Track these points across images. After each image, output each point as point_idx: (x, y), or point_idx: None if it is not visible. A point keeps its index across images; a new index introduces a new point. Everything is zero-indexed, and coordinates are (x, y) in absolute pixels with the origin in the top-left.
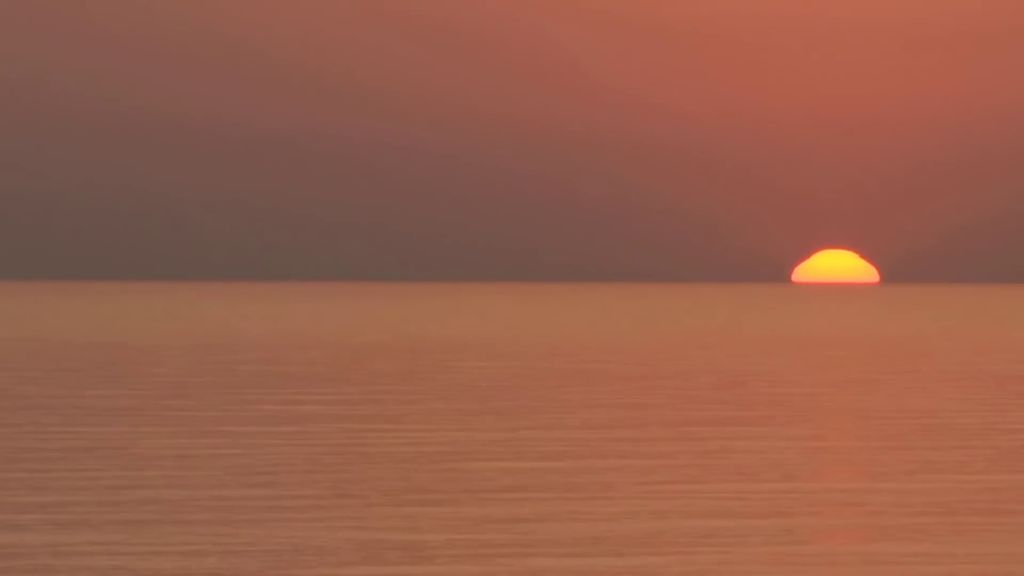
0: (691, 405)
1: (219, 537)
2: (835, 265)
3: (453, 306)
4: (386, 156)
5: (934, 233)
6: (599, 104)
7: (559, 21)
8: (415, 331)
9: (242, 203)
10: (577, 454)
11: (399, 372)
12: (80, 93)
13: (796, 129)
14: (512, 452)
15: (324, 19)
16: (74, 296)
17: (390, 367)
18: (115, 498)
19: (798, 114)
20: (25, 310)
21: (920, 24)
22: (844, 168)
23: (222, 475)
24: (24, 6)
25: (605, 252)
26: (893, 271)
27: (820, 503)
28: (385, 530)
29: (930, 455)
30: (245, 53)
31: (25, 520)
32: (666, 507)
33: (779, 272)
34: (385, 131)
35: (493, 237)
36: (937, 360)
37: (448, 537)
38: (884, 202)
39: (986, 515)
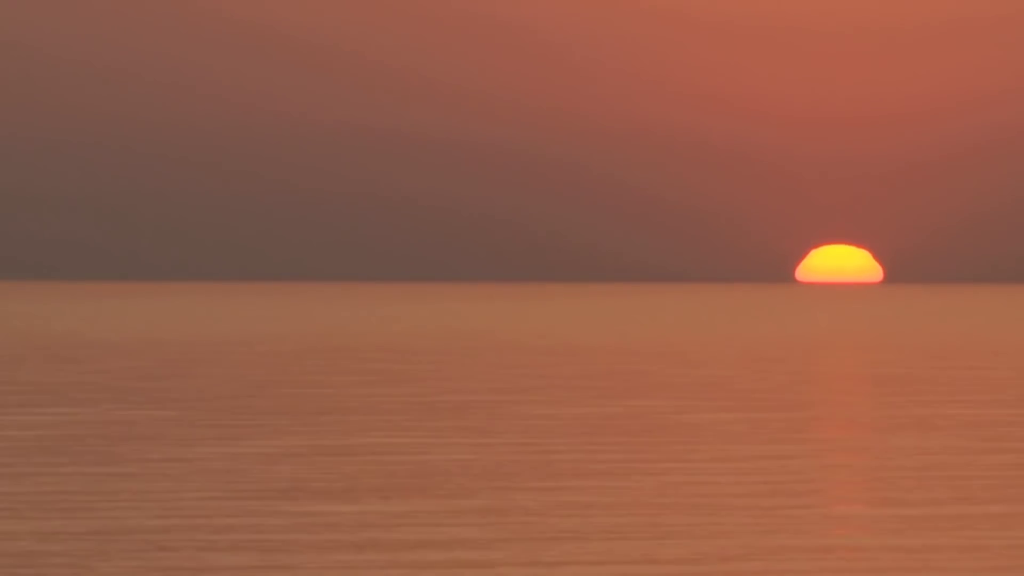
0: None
1: None
2: (838, 262)
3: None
4: (387, 150)
5: (939, 227)
6: (593, 100)
7: (558, 9)
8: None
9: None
10: None
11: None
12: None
13: (796, 122)
14: None
15: (348, 8)
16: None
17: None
18: None
19: (800, 107)
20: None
21: (925, 11)
22: (842, 161)
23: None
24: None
25: (594, 251)
26: (898, 267)
27: None
28: None
29: None
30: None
31: None
32: None
33: (778, 270)
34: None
35: (481, 238)
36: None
37: None
38: (886, 195)
39: None
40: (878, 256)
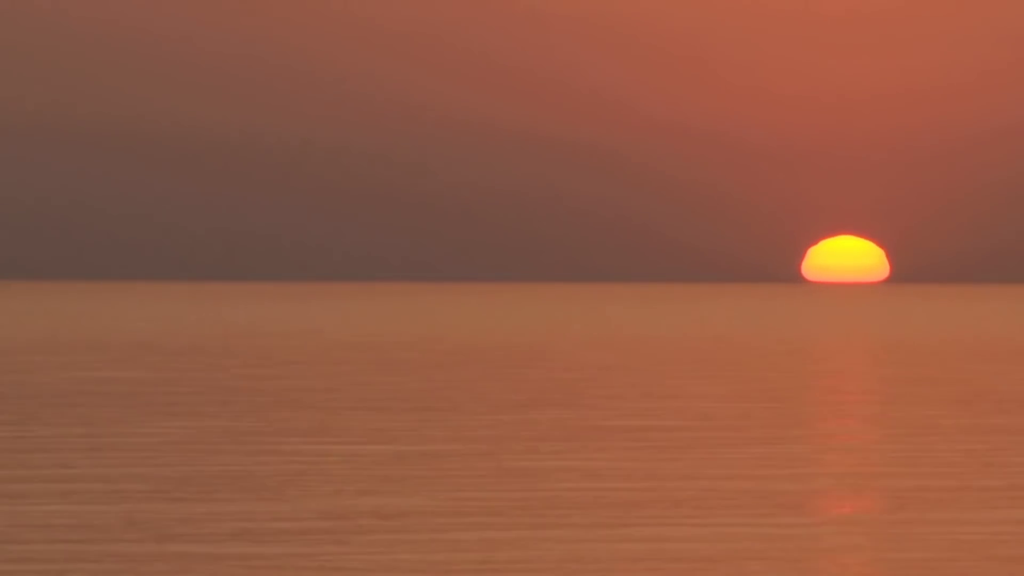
0: None
1: None
2: (846, 259)
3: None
4: (388, 162)
5: (950, 218)
6: (590, 99)
7: (555, 20)
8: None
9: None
10: None
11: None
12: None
13: (794, 105)
14: None
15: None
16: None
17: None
18: None
19: (797, 88)
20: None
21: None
22: (840, 145)
23: None
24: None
25: (589, 252)
26: (904, 262)
27: None
28: None
29: None
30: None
31: None
32: None
33: (779, 268)
34: (384, 139)
35: (481, 238)
36: None
37: None
38: (892, 183)
39: None
40: (883, 250)
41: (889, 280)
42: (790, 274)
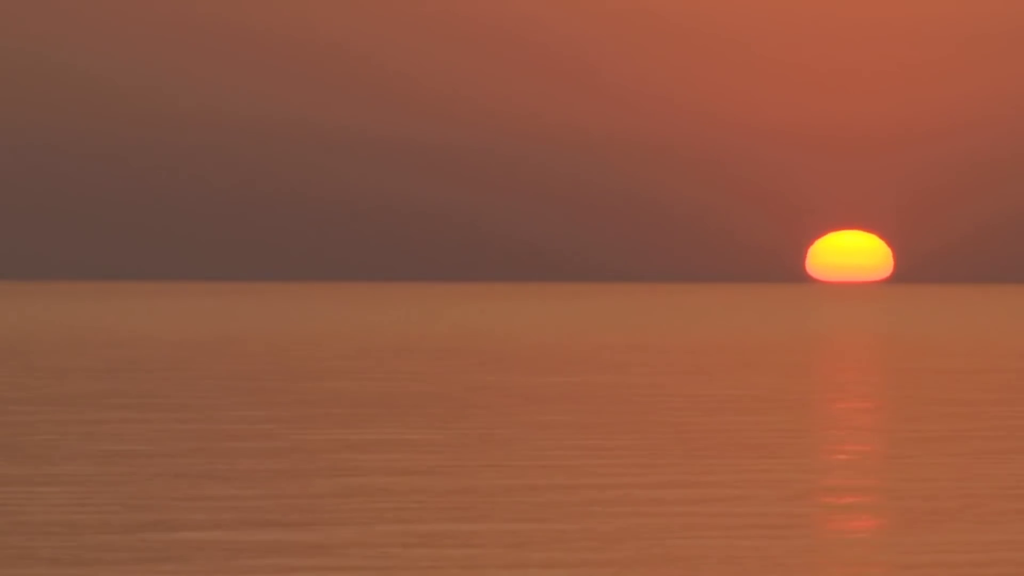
0: None
1: None
2: (850, 256)
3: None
4: (384, 153)
5: (951, 220)
6: (597, 99)
7: (562, 15)
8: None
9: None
10: None
11: None
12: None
13: (792, 92)
14: None
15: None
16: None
17: None
18: None
19: (796, 71)
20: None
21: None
22: (840, 130)
23: None
24: None
25: (596, 251)
26: (912, 258)
27: None
28: None
29: None
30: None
31: None
32: None
33: (780, 265)
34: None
35: (485, 237)
36: None
37: None
38: (896, 172)
39: None
40: (888, 246)
41: (893, 278)
42: (795, 273)
